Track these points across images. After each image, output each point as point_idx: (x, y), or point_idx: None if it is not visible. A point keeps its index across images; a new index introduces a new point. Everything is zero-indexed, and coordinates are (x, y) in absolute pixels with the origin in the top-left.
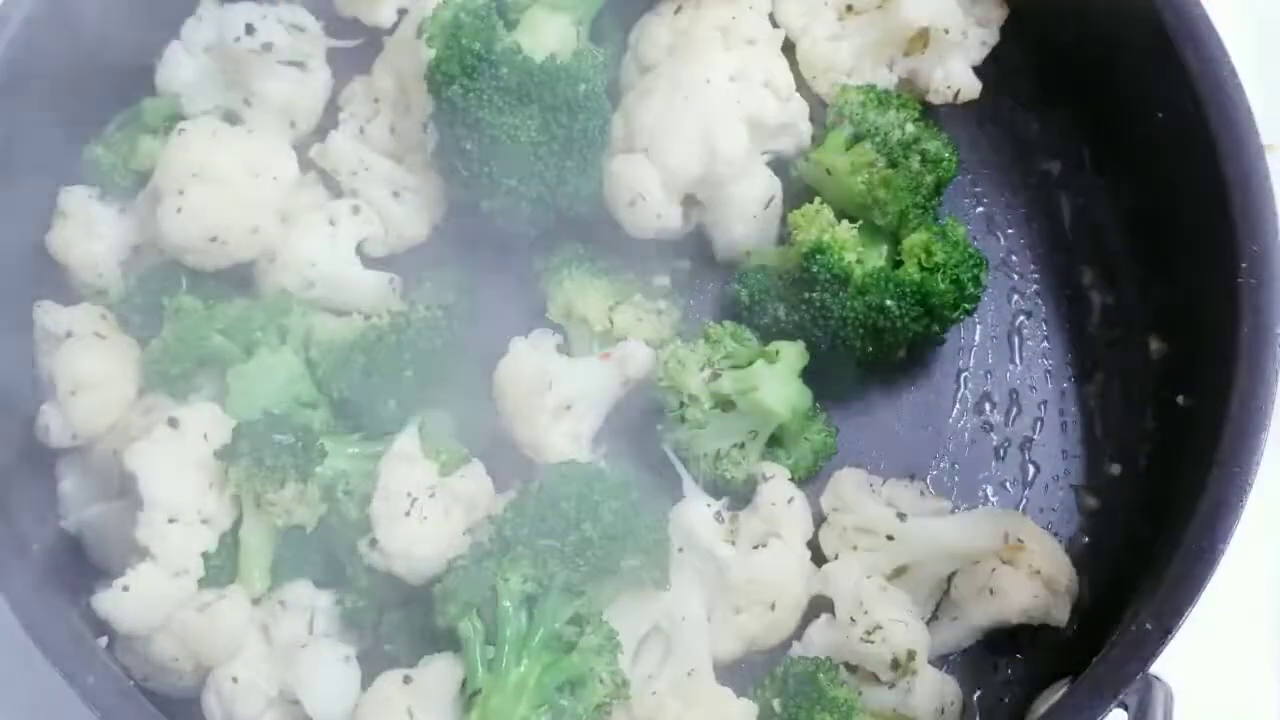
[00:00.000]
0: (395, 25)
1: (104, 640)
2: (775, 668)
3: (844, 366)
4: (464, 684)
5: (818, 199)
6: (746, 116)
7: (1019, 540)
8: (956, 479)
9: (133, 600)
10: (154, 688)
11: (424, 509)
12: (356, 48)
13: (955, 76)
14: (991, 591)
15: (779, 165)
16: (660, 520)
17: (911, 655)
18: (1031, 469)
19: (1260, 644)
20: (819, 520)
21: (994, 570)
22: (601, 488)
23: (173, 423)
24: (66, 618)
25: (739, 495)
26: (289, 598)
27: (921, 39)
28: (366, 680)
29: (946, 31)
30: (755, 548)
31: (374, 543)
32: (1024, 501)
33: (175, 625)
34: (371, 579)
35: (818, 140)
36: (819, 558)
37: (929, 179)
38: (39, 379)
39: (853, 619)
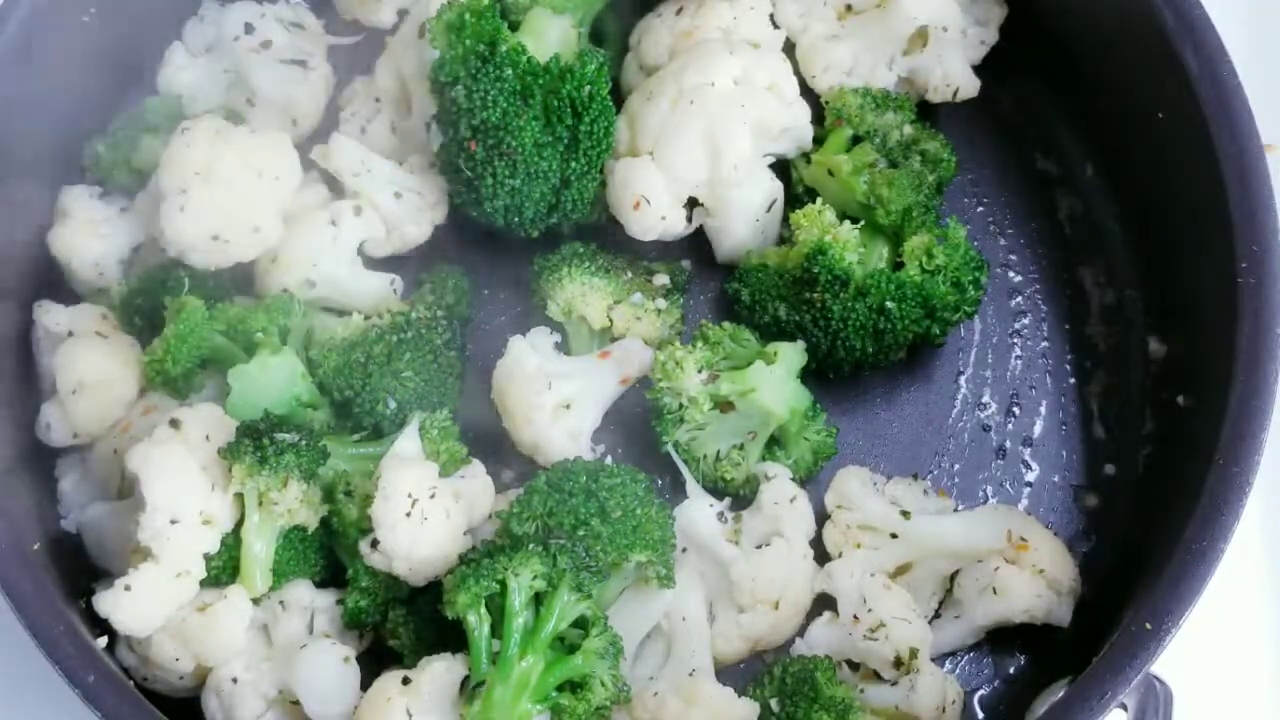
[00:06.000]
0: (396, 26)
1: (104, 640)
2: (773, 667)
3: (844, 367)
4: (465, 680)
5: (819, 199)
6: (751, 120)
7: (1023, 539)
8: (956, 479)
9: (133, 600)
10: (154, 688)
11: (425, 510)
12: (357, 48)
13: (954, 75)
14: (994, 591)
15: (778, 165)
16: (665, 517)
17: (914, 653)
18: (1031, 469)
19: (1260, 644)
20: (821, 519)
21: (997, 569)
22: (608, 483)
23: (175, 424)
24: (66, 618)
25: (739, 496)
26: (289, 598)
27: (921, 38)
28: (366, 680)
29: (945, 30)
30: (758, 547)
31: (375, 543)
32: (1024, 501)
33: (175, 625)
34: (372, 579)
35: (819, 141)
36: (821, 557)
37: (930, 178)
38: (40, 378)
39: (856, 617)
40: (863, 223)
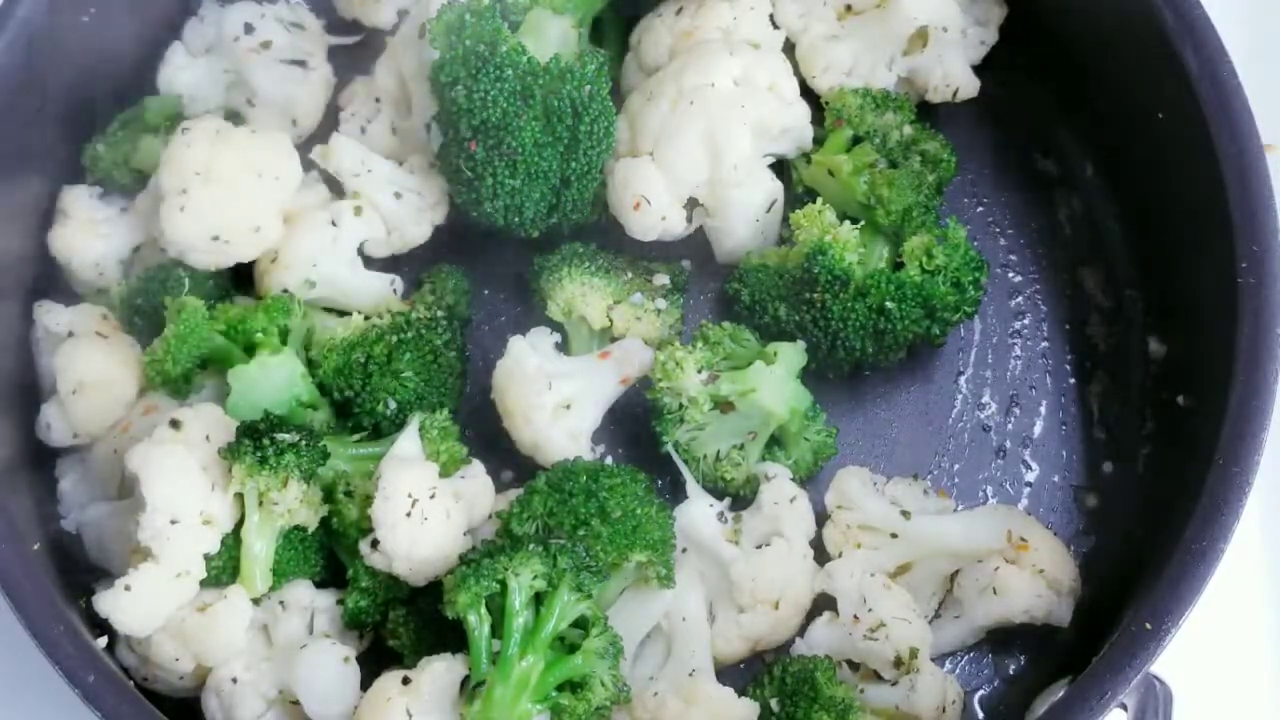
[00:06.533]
0: (396, 26)
1: (104, 640)
2: (773, 667)
3: (844, 367)
4: (465, 680)
5: (819, 199)
6: (751, 121)
7: (1023, 539)
8: (956, 479)
9: (133, 600)
10: (154, 688)
11: (425, 510)
12: (357, 48)
13: (954, 75)
14: (994, 591)
15: (778, 165)
16: (665, 517)
17: (914, 653)
18: (1031, 469)
19: (1260, 644)
20: (821, 519)
21: (997, 569)
22: (608, 483)
23: (175, 424)
24: (66, 618)
25: (739, 496)
26: (289, 598)
27: (920, 38)
28: (366, 680)
29: (945, 30)
30: (759, 547)
31: (375, 543)
32: (1024, 501)
33: (175, 625)
34: (372, 579)
35: (819, 141)
36: (821, 557)
37: (930, 178)
38: (40, 378)
39: (856, 616)
40: (863, 223)
